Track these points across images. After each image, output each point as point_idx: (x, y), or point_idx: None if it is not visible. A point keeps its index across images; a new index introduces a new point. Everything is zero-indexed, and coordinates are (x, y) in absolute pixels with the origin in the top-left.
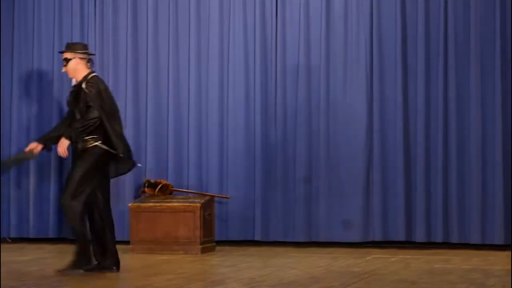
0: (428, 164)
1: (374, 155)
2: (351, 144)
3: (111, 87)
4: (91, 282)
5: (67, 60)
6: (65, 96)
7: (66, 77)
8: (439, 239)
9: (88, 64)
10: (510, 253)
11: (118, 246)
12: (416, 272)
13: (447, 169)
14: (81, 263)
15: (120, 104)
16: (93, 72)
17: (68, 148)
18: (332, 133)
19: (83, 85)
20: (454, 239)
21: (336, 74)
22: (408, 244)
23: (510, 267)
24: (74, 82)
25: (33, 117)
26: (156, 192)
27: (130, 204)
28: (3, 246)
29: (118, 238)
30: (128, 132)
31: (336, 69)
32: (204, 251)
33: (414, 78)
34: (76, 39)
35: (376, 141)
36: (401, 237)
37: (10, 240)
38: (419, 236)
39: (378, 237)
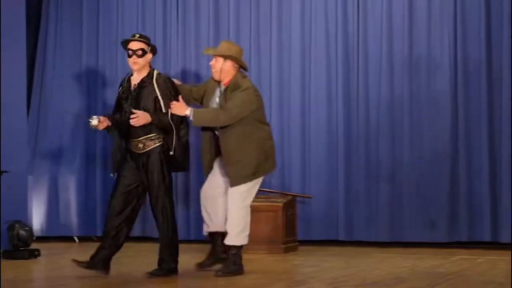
0: None
1: (459, 154)
2: (436, 143)
3: (193, 82)
4: (173, 281)
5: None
6: None
7: None
8: None
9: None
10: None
11: (201, 246)
12: (503, 273)
13: None
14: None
15: None
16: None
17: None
18: (416, 132)
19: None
20: None
21: (420, 72)
22: (494, 245)
23: None
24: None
25: None
26: None
27: None
28: (89, 244)
29: (200, 237)
30: None
31: (419, 66)
32: (286, 250)
33: (499, 76)
34: (159, 41)
35: (461, 141)
36: (487, 237)
37: (95, 238)
38: (506, 236)
39: (463, 237)
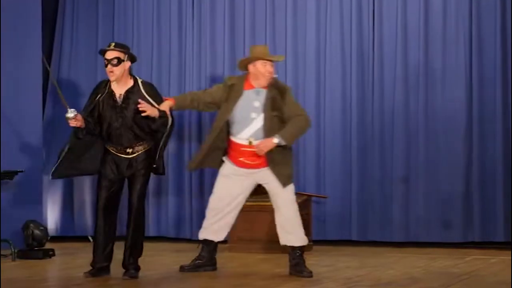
0: None
1: (474, 154)
2: (450, 143)
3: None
4: (187, 281)
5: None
6: None
7: (165, 78)
8: None
9: None
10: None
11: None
12: None
13: None
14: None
15: None
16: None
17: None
18: (430, 132)
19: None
20: None
21: (435, 72)
22: (508, 245)
23: None
24: None
25: None
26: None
27: None
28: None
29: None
30: None
31: (434, 72)
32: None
33: None
34: (175, 43)
35: (476, 141)
36: (501, 237)
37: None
38: None
39: (477, 237)
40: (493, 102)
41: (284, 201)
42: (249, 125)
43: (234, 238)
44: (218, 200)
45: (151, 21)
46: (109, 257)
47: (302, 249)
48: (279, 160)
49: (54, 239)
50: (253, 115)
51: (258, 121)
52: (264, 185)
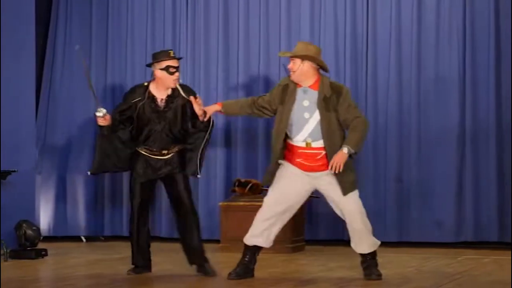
0: None
1: (466, 155)
2: (443, 143)
3: (202, 87)
4: (179, 280)
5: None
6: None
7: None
8: None
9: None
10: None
11: (208, 245)
12: (509, 274)
13: None
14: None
15: (210, 103)
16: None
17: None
18: (423, 132)
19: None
20: None
21: (428, 74)
22: (501, 245)
23: None
24: None
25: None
26: (246, 191)
27: (220, 203)
28: (97, 244)
29: (208, 236)
30: (220, 134)
31: (427, 68)
32: (294, 250)
33: (507, 74)
34: (168, 39)
35: (469, 141)
36: (494, 237)
37: (103, 238)
38: None
39: (470, 237)
40: (487, 103)
41: (349, 212)
42: (304, 126)
43: (226, 238)
44: (273, 202)
45: (145, 21)
46: (149, 255)
47: (373, 253)
48: (347, 164)
49: (47, 239)
50: (306, 115)
51: (312, 121)
52: (323, 191)
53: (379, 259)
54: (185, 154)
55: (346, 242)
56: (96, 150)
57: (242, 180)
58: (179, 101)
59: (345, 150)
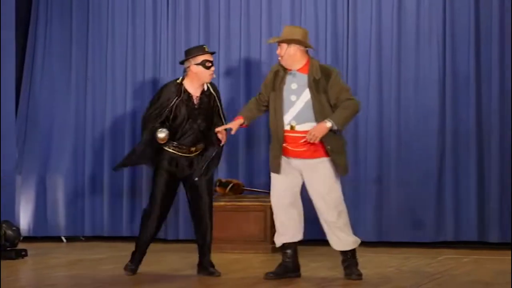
0: (502, 164)
1: (446, 154)
2: (423, 143)
3: None
4: (160, 281)
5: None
6: (135, 95)
7: (139, 78)
8: None
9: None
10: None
11: (189, 245)
12: (489, 273)
13: None
14: None
15: None
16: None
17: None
18: (403, 132)
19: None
20: None
21: (408, 75)
22: (481, 244)
23: None
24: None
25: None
26: (227, 191)
27: None
28: (77, 244)
29: (189, 237)
30: None
31: (408, 67)
32: (274, 250)
33: (488, 74)
34: (149, 40)
35: (449, 140)
36: (474, 237)
37: (83, 239)
38: (492, 236)
39: (450, 237)
40: (467, 102)
41: (325, 206)
42: (290, 109)
43: None
44: (276, 198)
45: (126, 23)
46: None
47: (353, 251)
48: (335, 148)
49: (27, 239)
50: (293, 97)
51: (298, 103)
52: (306, 181)
53: (359, 259)
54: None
55: (327, 242)
56: (136, 154)
57: (223, 180)
58: (211, 97)
59: (328, 124)
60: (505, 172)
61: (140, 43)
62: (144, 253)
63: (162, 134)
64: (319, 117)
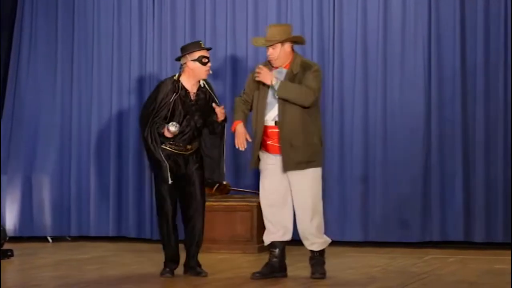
0: (488, 164)
1: (432, 154)
2: (409, 143)
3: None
4: (147, 281)
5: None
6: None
7: (125, 77)
8: (499, 239)
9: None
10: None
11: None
12: (475, 273)
13: (507, 170)
14: None
15: None
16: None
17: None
18: (389, 132)
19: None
20: None
21: (393, 76)
22: (466, 244)
23: None
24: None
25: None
26: (213, 191)
27: None
28: (63, 244)
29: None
30: None
31: (393, 67)
32: (261, 250)
33: (473, 76)
34: (135, 39)
35: (434, 140)
36: (460, 237)
37: (69, 239)
38: (478, 236)
39: (436, 237)
40: (452, 102)
41: (301, 206)
42: (275, 105)
43: None
44: (265, 198)
45: (112, 22)
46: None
47: (321, 251)
48: (298, 144)
49: (13, 239)
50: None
51: (281, 100)
52: (292, 182)
53: (345, 259)
54: (202, 158)
55: None
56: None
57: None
58: (207, 93)
59: (274, 82)
60: (491, 173)
61: (126, 41)
62: (176, 256)
63: (174, 128)
64: (289, 109)
